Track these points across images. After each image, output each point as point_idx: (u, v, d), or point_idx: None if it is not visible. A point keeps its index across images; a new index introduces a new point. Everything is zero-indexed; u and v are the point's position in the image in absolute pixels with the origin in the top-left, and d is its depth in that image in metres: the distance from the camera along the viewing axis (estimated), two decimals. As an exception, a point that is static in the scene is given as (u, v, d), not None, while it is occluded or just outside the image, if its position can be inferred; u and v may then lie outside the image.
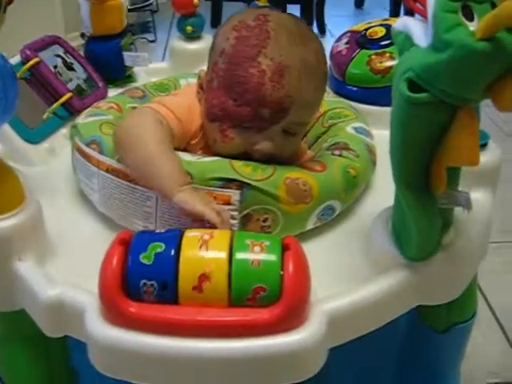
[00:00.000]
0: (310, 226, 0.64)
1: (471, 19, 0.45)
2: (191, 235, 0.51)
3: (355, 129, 0.75)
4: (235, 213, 0.60)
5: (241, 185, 0.60)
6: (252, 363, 0.49)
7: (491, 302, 1.16)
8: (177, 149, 0.64)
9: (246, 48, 0.62)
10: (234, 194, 0.59)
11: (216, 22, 2.77)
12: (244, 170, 0.61)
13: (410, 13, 0.54)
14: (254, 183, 0.60)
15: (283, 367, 0.50)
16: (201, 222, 0.56)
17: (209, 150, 0.68)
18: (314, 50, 0.65)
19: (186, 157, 0.63)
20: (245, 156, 0.64)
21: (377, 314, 0.56)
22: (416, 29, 0.49)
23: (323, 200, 0.63)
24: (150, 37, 2.62)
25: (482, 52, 0.42)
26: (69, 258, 0.62)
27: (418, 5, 0.50)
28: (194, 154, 0.65)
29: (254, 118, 0.63)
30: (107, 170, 0.64)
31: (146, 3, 2.73)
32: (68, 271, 0.59)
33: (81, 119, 0.74)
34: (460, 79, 0.44)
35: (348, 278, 0.58)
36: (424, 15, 0.49)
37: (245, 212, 0.60)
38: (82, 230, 0.67)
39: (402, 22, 0.51)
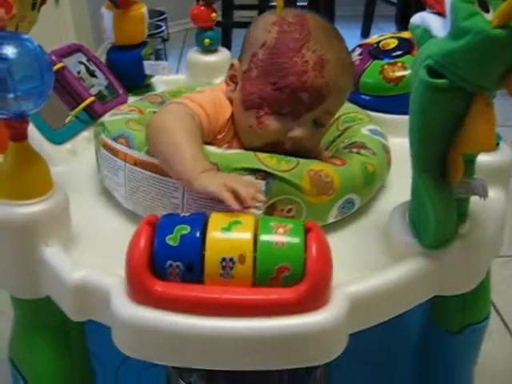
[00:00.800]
0: (331, 219, 0.66)
1: (487, 11, 0.47)
2: (216, 217, 0.53)
3: (370, 130, 0.77)
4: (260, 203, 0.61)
5: (266, 175, 0.61)
6: (274, 342, 0.50)
7: (502, 313, 1.17)
8: (204, 143, 0.66)
9: (290, 41, 0.66)
10: (260, 184, 0.61)
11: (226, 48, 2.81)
12: (269, 161, 0.62)
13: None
14: (279, 174, 0.61)
15: (304, 347, 0.51)
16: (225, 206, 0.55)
17: (234, 144, 0.71)
18: (345, 49, 0.71)
19: (212, 149, 0.64)
20: (273, 147, 0.67)
21: (396, 300, 0.57)
22: (433, 22, 0.51)
23: (344, 192, 0.65)
24: (161, 63, 2.67)
25: (498, 38, 0.44)
26: (93, 247, 0.63)
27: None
28: (219, 147, 0.67)
29: (292, 101, 0.66)
30: (135, 164, 0.65)
31: (158, 30, 2.79)
32: (92, 258, 0.60)
33: (106, 117, 0.75)
34: (476, 65, 0.47)
35: (367, 266, 0.59)
36: (439, 10, 0.52)
37: (269, 202, 0.61)
38: (105, 224, 0.69)
39: (420, 17, 0.54)
